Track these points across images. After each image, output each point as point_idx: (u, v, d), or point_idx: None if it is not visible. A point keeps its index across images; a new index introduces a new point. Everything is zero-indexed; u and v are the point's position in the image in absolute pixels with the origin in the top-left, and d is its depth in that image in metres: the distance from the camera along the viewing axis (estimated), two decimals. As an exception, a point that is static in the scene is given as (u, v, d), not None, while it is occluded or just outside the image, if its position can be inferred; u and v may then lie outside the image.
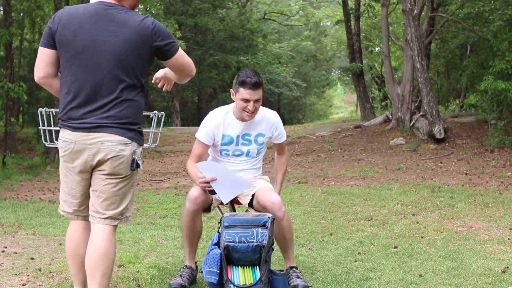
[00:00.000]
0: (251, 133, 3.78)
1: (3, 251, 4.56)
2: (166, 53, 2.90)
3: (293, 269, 3.73)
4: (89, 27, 2.78)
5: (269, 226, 3.34)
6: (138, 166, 2.86)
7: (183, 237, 3.78)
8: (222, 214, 3.54)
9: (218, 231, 3.46)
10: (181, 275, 3.64)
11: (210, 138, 3.74)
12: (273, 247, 3.43)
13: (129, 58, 2.78)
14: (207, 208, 3.79)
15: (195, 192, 3.62)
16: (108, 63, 2.77)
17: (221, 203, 3.83)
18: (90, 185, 2.90)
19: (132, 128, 2.83)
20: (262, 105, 3.78)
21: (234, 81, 3.68)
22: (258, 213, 3.47)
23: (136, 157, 2.84)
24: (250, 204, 3.76)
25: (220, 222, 3.41)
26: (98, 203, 2.87)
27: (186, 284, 3.56)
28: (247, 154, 3.83)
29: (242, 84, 3.60)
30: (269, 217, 3.38)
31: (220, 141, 3.75)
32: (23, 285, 3.59)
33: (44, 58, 2.87)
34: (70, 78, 2.80)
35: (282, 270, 3.55)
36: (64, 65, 2.83)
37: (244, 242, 3.30)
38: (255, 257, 3.33)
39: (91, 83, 2.77)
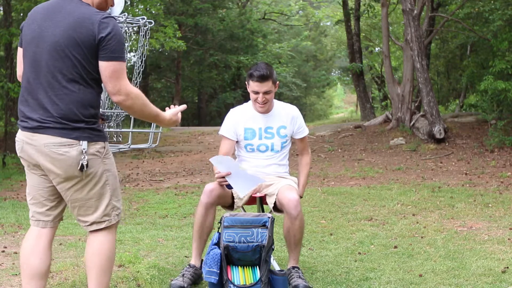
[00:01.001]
0: (273, 126, 3.87)
1: (3, 251, 4.56)
2: (106, 52, 2.61)
3: (295, 269, 3.72)
4: (40, 20, 2.70)
5: (269, 226, 3.34)
6: (82, 168, 2.61)
7: (193, 230, 3.79)
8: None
9: (218, 231, 3.45)
10: (183, 275, 3.62)
11: (233, 132, 3.85)
12: (273, 247, 3.43)
13: (70, 49, 2.59)
14: (230, 205, 3.86)
15: (211, 185, 3.68)
16: (47, 54, 2.62)
17: (247, 203, 3.86)
18: (52, 188, 2.75)
19: (77, 127, 2.61)
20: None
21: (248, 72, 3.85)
22: (258, 213, 3.48)
23: (83, 157, 2.60)
24: (275, 208, 3.79)
25: (220, 222, 3.41)
26: (75, 213, 2.75)
27: (185, 285, 3.54)
28: (272, 148, 3.88)
29: (251, 76, 3.75)
30: (269, 217, 3.37)
31: (242, 134, 3.85)
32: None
33: (19, 56, 2.83)
34: (24, 73, 2.73)
35: (282, 270, 3.55)
36: (23, 60, 2.76)
37: (244, 242, 3.30)
38: (255, 257, 3.33)
39: (33, 78, 2.66)
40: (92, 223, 2.74)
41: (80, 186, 2.67)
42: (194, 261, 3.75)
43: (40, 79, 2.63)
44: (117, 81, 2.62)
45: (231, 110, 3.98)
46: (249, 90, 3.81)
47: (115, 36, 2.63)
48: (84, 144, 2.62)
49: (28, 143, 2.65)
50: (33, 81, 2.65)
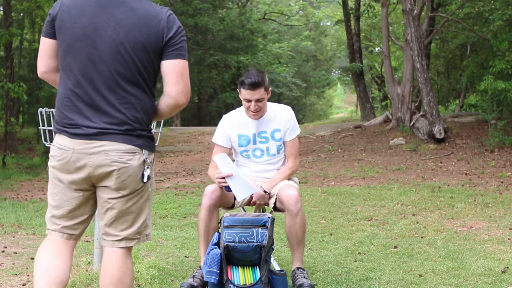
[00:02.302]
0: (267, 130, 3.81)
1: (3, 251, 4.56)
2: (173, 50, 2.42)
3: (299, 269, 3.69)
4: (91, 12, 2.37)
5: (269, 226, 3.34)
6: (149, 178, 2.43)
7: (198, 234, 3.75)
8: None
9: (218, 231, 3.45)
10: (193, 276, 3.62)
11: (226, 139, 3.83)
12: (273, 247, 3.42)
13: (136, 52, 2.36)
14: (231, 206, 3.85)
15: (211, 186, 3.66)
16: (108, 57, 2.36)
17: (248, 203, 3.84)
18: (88, 201, 2.49)
19: (141, 134, 2.41)
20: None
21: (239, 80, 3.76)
22: (258, 213, 3.48)
23: (146, 167, 2.42)
24: (275, 208, 3.78)
25: (220, 222, 3.41)
26: (107, 223, 2.46)
27: (196, 284, 3.53)
28: (268, 152, 3.84)
29: (242, 84, 3.68)
30: (269, 217, 3.36)
31: (237, 141, 3.82)
32: (23, 285, 3.59)
33: (44, 49, 2.48)
34: (67, 73, 2.40)
35: (282, 270, 3.54)
36: (62, 57, 2.42)
37: (244, 242, 3.29)
38: (255, 257, 3.32)
39: (90, 80, 2.36)
40: (122, 239, 2.47)
41: (128, 197, 2.42)
42: (203, 262, 3.71)
43: (97, 83, 2.36)
44: (186, 80, 2.44)
45: (224, 117, 3.92)
46: (241, 97, 3.74)
47: (182, 32, 2.43)
48: (145, 153, 2.42)
49: (80, 152, 2.36)
50: (87, 85, 2.37)
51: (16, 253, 4.50)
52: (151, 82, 2.46)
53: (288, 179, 3.88)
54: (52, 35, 2.43)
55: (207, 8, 21.74)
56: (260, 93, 3.65)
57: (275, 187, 3.78)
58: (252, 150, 3.84)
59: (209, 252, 3.36)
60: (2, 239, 5.13)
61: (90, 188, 2.44)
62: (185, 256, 4.44)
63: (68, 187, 2.44)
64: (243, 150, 3.85)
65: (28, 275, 3.76)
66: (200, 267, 3.69)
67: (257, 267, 3.35)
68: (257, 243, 3.29)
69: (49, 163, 2.48)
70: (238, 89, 3.77)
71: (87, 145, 2.35)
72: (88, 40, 2.36)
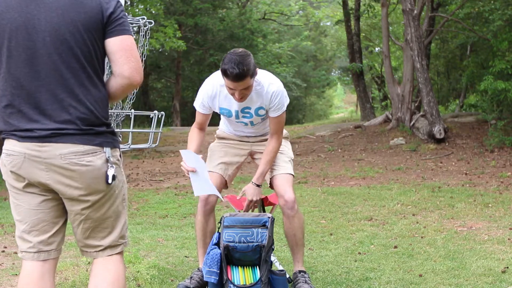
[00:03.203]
0: (250, 106, 3.51)
1: (3, 251, 4.57)
2: (116, 25, 2.16)
3: (301, 273, 3.63)
4: (17, 3, 2.11)
5: (269, 226, 3.32)
6: (114, 178, 2.17)
7: (196, 238, 3.73)
8: (221, 198, 3.55)
9: (218, 231, 3.43)
10: (191, 277, 3.60)
11: (207, 108, 3.58)
12: (273, 247, 3.40)
13: (76, 37, 2.10)
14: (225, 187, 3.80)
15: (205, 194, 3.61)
16: (48, 48, 2.09)
17: (247, 209, 3.69)
18: (56, 206, 2.23)
19: (99, 131, 2.16)
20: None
21: (221, 62, 3.29)
22: (258, 213, 3.45)
23: (110, 166, 2.17)
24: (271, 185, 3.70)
25: (220, 222, 3.39)
26: (85, 236, 2.24)
27: (192, 286, 3.51)
28: (252, 124, 3.64)
29: (225, 74, 3.23)
30: (269, 217, 3.34)
31: (218, 111, 3.60)
32: (23, 285, 3.59)
33: None
34: (5, 76, 2.13)
35: (282, 270, 3.54)
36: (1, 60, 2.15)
37: (244, 242, 3.27)
38: (255, 257, 3.30)
39: (31, 78, 2.10)
40: (106, 248, 2.26)
41: (100, 203, 2.20)
42: (201, 264, 3.67)
43: (39, 80, 2.10)
44: (137, 57, 2.19)
45: (206, 82, 3.53)
46: (224, 82, 3.31)
47: (122, 7, 2.20)
48: (108, 151, 2.18)
49: (34, 157, 2.10)
50: (30, 84, 2.11)
51: (16, 253, 4.50)
52: (101, 69, 2.20)
53: (281, 152, 3.69)
54: None
55: (207, 8, 21.74)
56: (245, 84, 3.24)
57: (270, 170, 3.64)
58: (236, 121, 3.64)
59: (209, 252, 3.34)
60: (2, 239, 5.13)
61: (53, 195, 2.19)
62: (185, 256, 4.44)
63: (29, 194, 2.18)
64: (225, 118, 3.69)
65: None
66: (198, 268, 3.68)
67: (257, 267, 3.34)
68: (257, 243, 3.27)
69: (3, 174, 2.21)
70: (220, 71, 3.30)
71: (40, 148, 2.09)
72: (22, 34, 2.09)
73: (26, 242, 2.23)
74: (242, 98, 3.34)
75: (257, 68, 3.37)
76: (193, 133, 3.68)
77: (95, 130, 2.15)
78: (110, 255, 2.27)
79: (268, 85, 3.44)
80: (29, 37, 2.09)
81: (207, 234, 3.63)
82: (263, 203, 3.92)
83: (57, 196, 2.20)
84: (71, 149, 2.11)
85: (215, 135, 3.94)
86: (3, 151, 2.16)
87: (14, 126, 2.12)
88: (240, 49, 3.29)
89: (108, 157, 2.17)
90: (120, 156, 2.27)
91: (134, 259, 3.91)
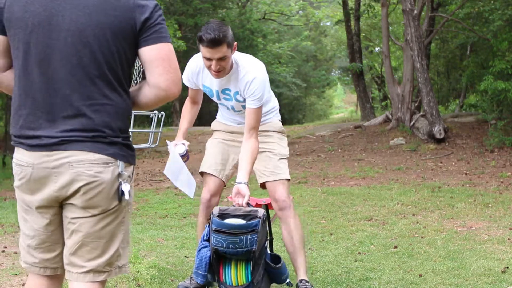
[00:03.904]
0: (230, 88, 3.34)
1: (3, 251, 4.56)
2: (153, 32, 1.96)
3: (302, 282, 3.43)
4: None
5: (259, 229, 2.98)
6: (123, 194, 1.98)
7: (196, 237, 3.64)
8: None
9: (208, 224, 3.11)
10: (191, 278, 3.54)
11: (192, 84, 3.46)
12: (266, 245, 3.16)
13: (102, 41, 1.92)
14: None
15: (207, 195, 3.51)
16: (68, 49, 1.91)
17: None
18: (62, 230, 2.05)
19: (114, 141, 1.96)
20: None
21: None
22: (250, 209, 3.09)
23: (123, 182, 1.98)
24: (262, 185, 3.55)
25: (209, 218, 3.07)
26: (72, 252, 2.01)
27: (192, 287, 3.44)
28: (234, 109, 3.47)
29: (200, 40, 3.06)
30: (260, 217, 3.01)
31: (202, 89, 3.48)
32: (23, 285, 3.59)
33: None
34: (21, 73, 1.97)
35: (278, 258, 3.30)
36: (15, 54, 1.98)
37: (233, 248, 2.98)
38: (248, 257, 3.05)
39: (48, 79, 1.93)
40: (89, 271, 2.01)
41: (99, 218, 1.98)
42: None
43: (57, 83, 1.92)
44: (176, 67, 2.00)
45: (192, 58, 3.42)
46: (201, 54, 3.17)
47: (160, 11, 1.99)
48: (121, 165, 1.98)
49: (41, 167, 1.93)
50: (46, 86, 1.93)
51: (16, 253, 4.49)
52: (125, 78, 2.00)
53: (272, 142, 3.50)
54: (1, 30, 1.98)
55: (207, 8, 21.74)
56: (222, 51, 3.05)
57: (261, 163, 3.48)
58: (219, 103, 3.52)
59: (199, 249, 3.12)
60: (2, 239, 5.13)
61: (56, 208, 2.02)
62: (185, 256, 4.44)
63: (37, 212, 2.02)
64: (215, 101, 3.53)
65: (28, 275, 3.76)
66: None
67: (251, 263, 3.08)
68: (247, 249, 2.97)
69: (14, 182, 2.10)
70: (197, 45, 3.16)
71: (48, 157, 1.92)
72: (43, 31, 1.91)
73: (31, 257, 2.09)
74: (219, 71, 3.14)
75: (236, 50, 3.22)
76: (186, 108, 3.62)
77: (109, 139, 1.95)
78: (91, 281, 2.01)
79: (246, 71, 3.24)
80: (50, 35, 1.91)
81: None
82: (267, 207, 3.85)
83: (59, 210, 2.03)
84: (80, 157, 1.91)
85: (211, 128, 3.81)
86: (13, 159, 2.06)
87: (23, 130, 1.97)
88: (216, 19, 3.18)
89: (121, 171, 1.97)
90: (132, 173, 2.06)
91: (134, 259, 3.91)
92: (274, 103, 3.65)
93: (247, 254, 3.03)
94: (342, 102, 47.88)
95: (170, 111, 22.14)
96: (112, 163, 1.95)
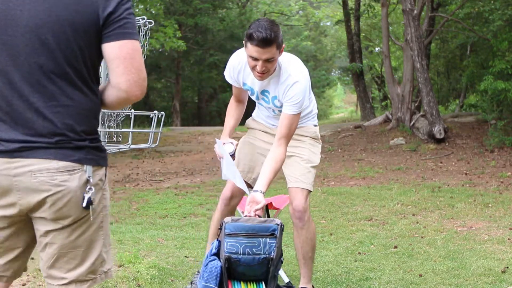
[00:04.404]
0: (269, 91, 3.20)
1: (3, 251, 4.56)
2: (115, 28, 1.82)
3: None
4: None
5: (278, 235, 2.81)
6: (91, 203, 1.82)
7: (208, 236, 3.47)
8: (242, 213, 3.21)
9: (217, 238, 2.94)
10: (191, 282, 3.50)
11: (234, 81, 3.30)
12: (282, 259, 2.96)
13: (61, 35, 1.77)
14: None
15: (228, 192, 3.33)
16: (26, 46, 1.77)
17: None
18: (21, 232, 1.91)
19: (80, 145, 1.82)
20: None
21: (248, 29, 2.98)
22: (264, 219, 2.93)
23: (89, 188, 1.83)
24: None
25: (220, 229, 2.88)
26: (49, 265, 1.89)
27: None
28: (273, 112, 3.33)
29: (250, 38, 2.90)
30: (277, 224, 2.83)
31: (243, 86, 3.31)
32: (23, 285, 3.59)
33: None
34: None
35: (289, 284, 3.23)
36: None
37: (249, 254, 2.76)
38: (262, 271, 2.82)
39: (6, 79, 1.77)
40: (70, 282, 1.89)
41: (72, 228, 1.86)
42: None
43: (15, 82, 1.78)
44: (140, 67, 1.85)
45: (234, 55, 3.26)
46: (246, 53, 2.99)
47: (127, 4, 1.86)
48: (89, 170, 1.83)
49: (2, 174, 1.78)
50: (4, 86, 1.78)
51: (16, 253, 4.49)
52: (90, 76, 1.85)
53: (302, 147, 3.34)
54: None
55: (207, 8, 21.76)
56: (271, 52, 2.89)
57: (286, 166, 3.33)
58: (258, 103, 3.37)
59: (206, 264, 2.86)
60: (2, 239, 5.13)
61: (22, 217, 1.87)
62: (185, 256, 4.44)
63: None
64: (250, 95, 3.37)
65: (28, 275, 3.76)
66: (198, 271, 3.49)
67: (263, 283, 2.84)
68: (265, 256, 2.76)
69: None
70: (244, 42, 3.00)
71: (8, 164, 1.77)
72: (0, 26, 1.77)
73: None
74: (263, 73, 2.98)
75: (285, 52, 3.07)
76: (231, 107, 3.42)
77: (74, 144, 1.80)
78: None
79: (288, 75, 3.08)
80: (6, 31, 1.76)
81: None
82: (267, 207, 3.83)
83: (25, 220, 1.88)
84: (43, 166, 1.77)
85: (245, 125, 3.63)
86: None
87: None
88: (268, 18, 2.99)
89: (89, 177, 1.82)
90: (105, 176, 1.91)
91: (134, 259, 3.91)
92: (313, 108, 3.47)
93: (263, 266, 2.80)
94: (342, 102, 47.87)
95: (170, 111, 22.15)
96: (78, 169, 1.81)
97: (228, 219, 2.86)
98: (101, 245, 1.92)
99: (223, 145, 3.35)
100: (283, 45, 2.98)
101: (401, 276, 3.86)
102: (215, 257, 2.84)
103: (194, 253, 4.52)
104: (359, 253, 4.54)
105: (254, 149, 3.44)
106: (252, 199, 2.95)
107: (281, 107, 3.15)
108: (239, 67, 3.20)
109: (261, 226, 2.80)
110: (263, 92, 3.22)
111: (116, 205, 6.83)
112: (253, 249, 2.76)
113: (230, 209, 3.35)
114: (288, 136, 3.11)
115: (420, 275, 3.87)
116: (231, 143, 3.39)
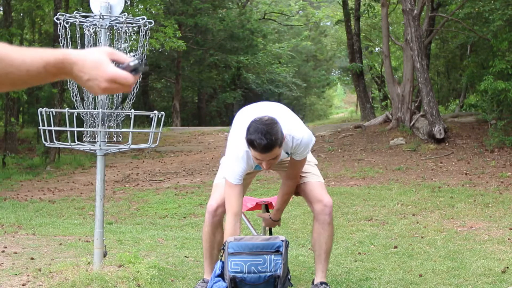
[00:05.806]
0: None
1: (3, 251, 4.56)
2: None
3: (323, 285, 3.33)
4: None
5: (283, 252, 2.76)
6: None
7: (203, 249, 3.50)
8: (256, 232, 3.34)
9: (221, 259, 2.89)
10: None
11: (242, 180, 3.16)
12: (289, 276, 2.90)
13: None
14: None
15: (214, 203, 3.31)
16: None
17: (251, 208, 3.59)
18: None
19: None
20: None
21: (246, 131, 2.92)
22: (268, 237, 2.94)
23: None
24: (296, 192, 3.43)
25: (223, 249, 2.83)
26: None
27: None
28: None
29: (252, 145, 2.88)
30: (282, 240, 2.79)
31: (254, 168, 3.27)
32: (23, 285, 3.59)
33: None
34: None
35: None
36: None
37: (254, 272, 2.70)
38: None
39: None
40: None
41: None
42: (206, 275, 3.45)
43: None
44: None
45: (241, 157, 3.09)
46: (250, 153, 2.99)
47: None
48: None
49: None
50: None
51: (16, 253, 4.49)
52: None
53: (308, 165, 3.40)
54: None
55: (207, 8, 21.75)
56: (274, 153, 2.89)
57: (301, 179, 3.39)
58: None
59: (211, 287, 2.81)
60: (2, 239, 5.13)
61: None
62: (185, 256, 4.44)
63: None
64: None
65: (28, 275, 3.76)
66: (203, 279, 3.49)
67: None
68: (271, 273, 2.70)
69: None
70: (247, 145, 2.95)
71: None
72: None
73: None
74: (270, 166, 3.03)
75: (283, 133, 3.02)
76: (229, 227, 3.06)
77: None
78: None
79: (292, 138, 3.10)
80: None
81: (214, 246, 3.38)
82: (267, 207, 3.83)
83: None
84: None
85: None
86: None
87: None
88: (266, 117, 2.92)
89: None
90: None
91: (134, 259, 3.91)
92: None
93: (269, 284, 2.72)
94: (342, 102, 47.87)
95: (170, 111, 22.14)
96: None
97: (231, 238, 2.80)
98: None
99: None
100: (284, 135, 2.95)
101: (401, 276, 3.86)
102: (220, 279, 2.77)
103: (194, 253, 4.52)
104: (359, 253, 4.54)
105: (245, 186, 3.40)
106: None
107: (288, 156, 3.24)
108: (249, 165, 3.12)
109: (265, 244, 2.75)
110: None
111: (116, 205, 6.83)
112: (258, 267, 2.70)
113: (219, 219, 3.34)
114: (298, 175, 3.30)
115: (420, 275, 3.87)
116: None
